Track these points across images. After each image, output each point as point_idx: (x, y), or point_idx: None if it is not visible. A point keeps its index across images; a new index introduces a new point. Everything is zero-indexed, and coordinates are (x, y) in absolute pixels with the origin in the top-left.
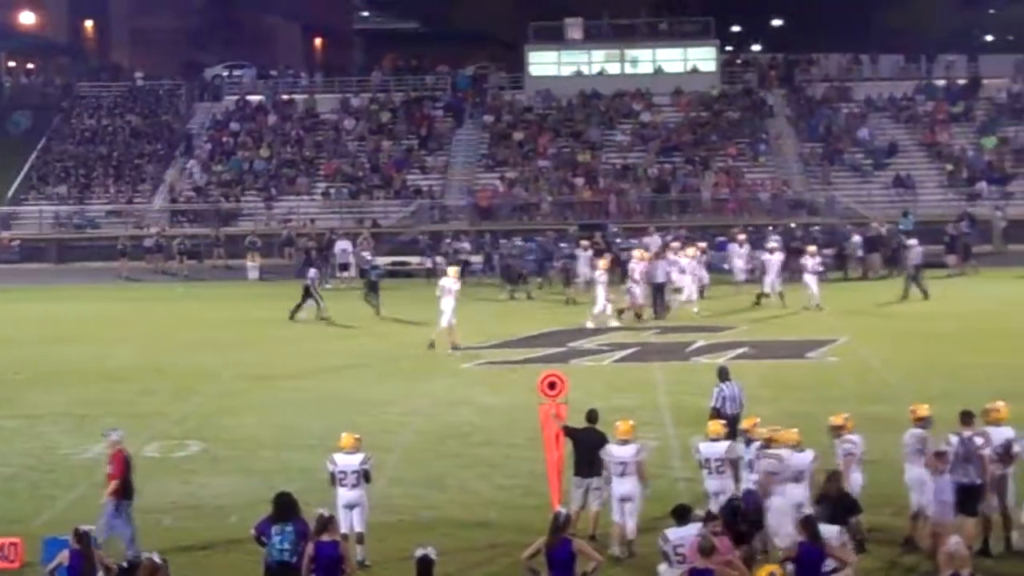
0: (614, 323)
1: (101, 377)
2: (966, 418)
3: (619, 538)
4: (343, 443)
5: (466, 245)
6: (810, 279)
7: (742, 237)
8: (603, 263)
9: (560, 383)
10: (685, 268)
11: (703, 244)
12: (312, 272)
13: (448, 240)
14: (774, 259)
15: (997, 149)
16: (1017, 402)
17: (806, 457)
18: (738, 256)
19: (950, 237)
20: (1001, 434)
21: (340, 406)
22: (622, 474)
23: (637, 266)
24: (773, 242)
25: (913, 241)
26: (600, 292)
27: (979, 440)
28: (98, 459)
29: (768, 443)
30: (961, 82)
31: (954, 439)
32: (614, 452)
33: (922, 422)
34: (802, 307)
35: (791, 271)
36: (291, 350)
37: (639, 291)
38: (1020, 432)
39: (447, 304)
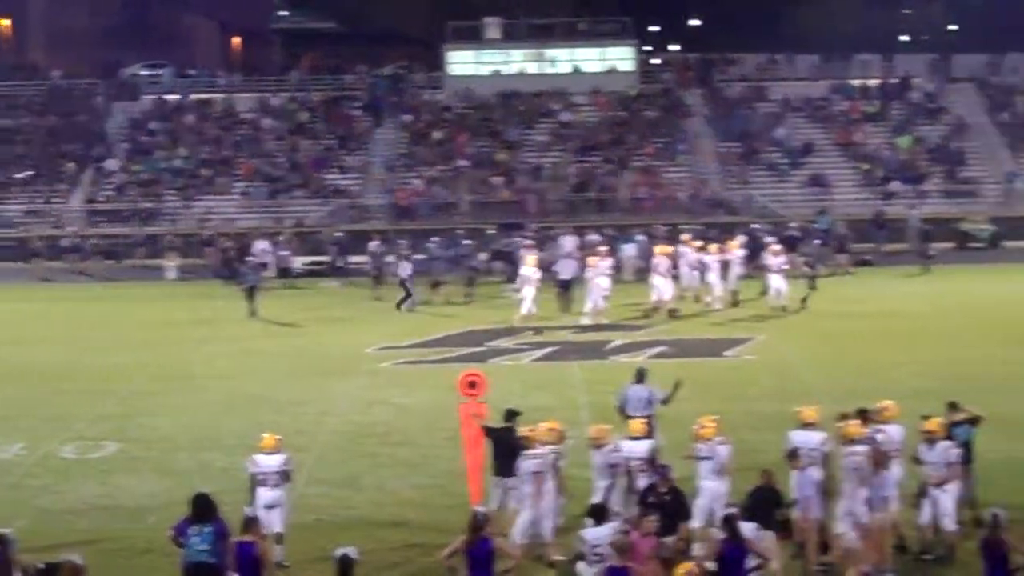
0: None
1: (16, 377)
2: (862, 416)
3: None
4: (264, 444)
5: (381, 245)
6: (775, 278)
7: (686, 237)
8: (532, 260)
9: (480, 382)
10: (710, 265)
11: (738, 240)
12: (406, 268)
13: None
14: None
15: (912, 149)
16: (933, 399)
17: (813, 438)
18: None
19: (789, 238)
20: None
21: (257, 406)
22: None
23: (661, 261)
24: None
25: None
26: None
27: (880, 437)
28: (13, 460)
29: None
30: (894, 81)
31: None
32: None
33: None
34: (770, 307)
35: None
36: (208, 350)
37: (665, 286)
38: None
39: (528, 293)
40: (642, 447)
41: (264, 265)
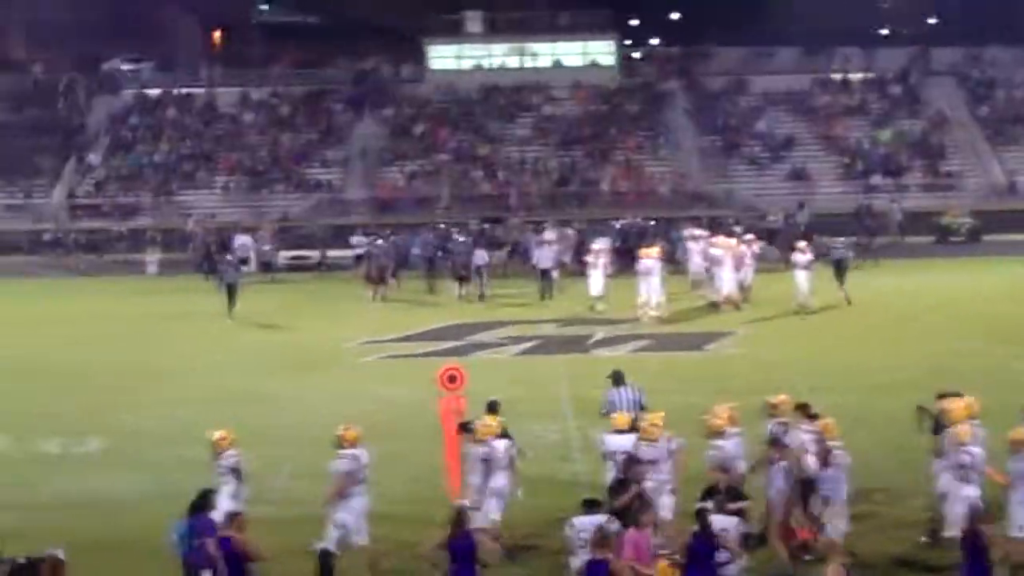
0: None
1: None
2: (803, 410)
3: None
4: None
5: (363, 239)
6: (800, 275)
7: (697, 232)
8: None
9: (460, 376)
10: (722, 259)
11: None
12: (481, 256)
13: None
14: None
15: (893, 143)
16: (914, 392)
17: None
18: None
19: (769, 231)
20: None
21: (239, 400)
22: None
23: (725, 256)
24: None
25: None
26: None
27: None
28: None
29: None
30: (874, 74)
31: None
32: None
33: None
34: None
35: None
36: (190, 345)
37: (728, 280)
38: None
39: (654, 282)
40: (625, 441)
41: (245, 260)
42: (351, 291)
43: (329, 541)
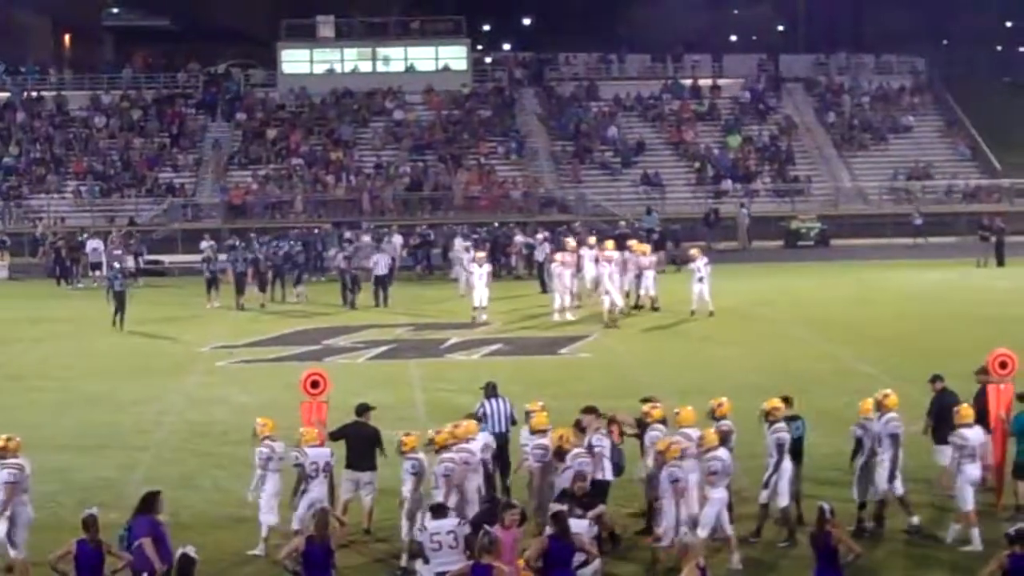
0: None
1: None
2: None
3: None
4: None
5: (212, 243)
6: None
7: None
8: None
9: (323, 381)
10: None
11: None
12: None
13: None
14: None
15: (741, 148)
16: (762, 394)
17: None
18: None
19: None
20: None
21: (92, 405)
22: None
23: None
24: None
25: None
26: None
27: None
28: None
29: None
30: (724, 80)
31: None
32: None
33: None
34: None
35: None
36: (42, 349)
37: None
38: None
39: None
40: (546, 440)
41: (97, 265)
42: (202, 296)
43: None
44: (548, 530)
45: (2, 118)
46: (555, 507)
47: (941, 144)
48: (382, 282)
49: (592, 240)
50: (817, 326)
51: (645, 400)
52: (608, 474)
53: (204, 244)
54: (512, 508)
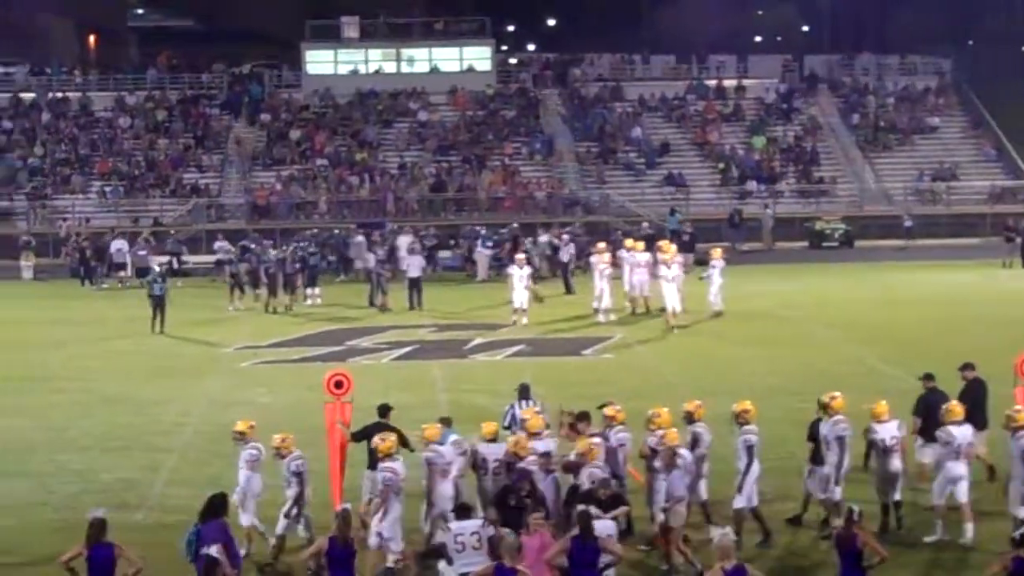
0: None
1: None
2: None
3: None
4: None
5: (226, 244)
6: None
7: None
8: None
9: (347, 382)
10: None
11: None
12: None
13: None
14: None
15: (766, 149)
16: (785, 396)
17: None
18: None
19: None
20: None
21: (116, 407)
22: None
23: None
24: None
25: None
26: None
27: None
28: None
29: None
30: (749, 81)
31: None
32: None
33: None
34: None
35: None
36: (66, 351)
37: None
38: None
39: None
40: (498, 449)
41: (122, 265)
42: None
43: None
44: (573, 531)
45: (27, 119)
46: (580, 508)
47: (966, 145)
48: (416, 284)
49: (631, 244)
50: (842, 327)
51: (603, 406)
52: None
53: (217, 244)
54: (537, 512)
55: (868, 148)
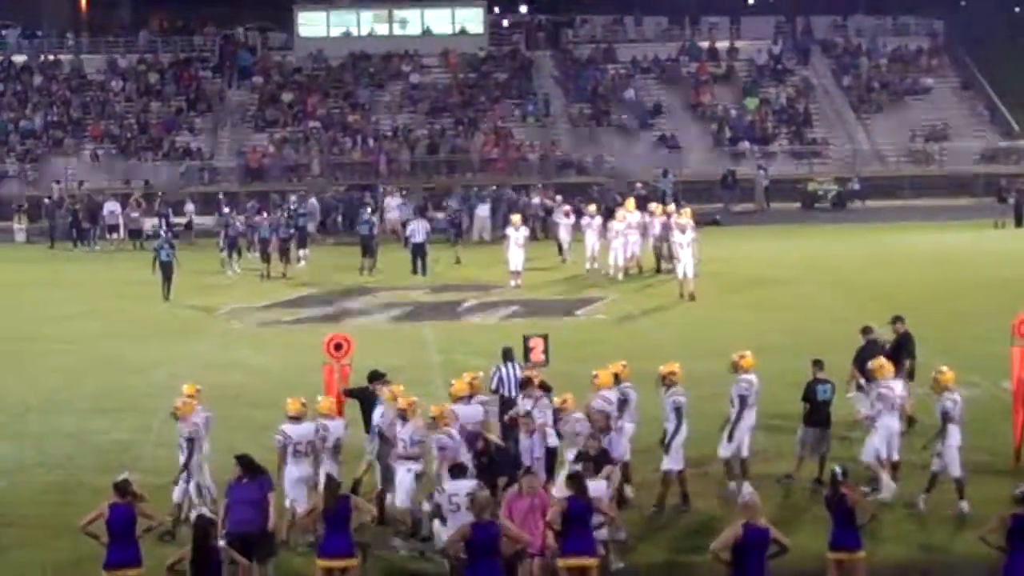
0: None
1: None
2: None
3: None
4: None
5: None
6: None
7: (567, 208)
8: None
9: (346, 344)
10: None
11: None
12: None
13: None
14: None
15: (758, 110)
16: (779, 356)
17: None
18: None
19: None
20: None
21: (109, 368)
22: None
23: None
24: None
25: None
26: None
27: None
28: None
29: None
30: (741, 42)
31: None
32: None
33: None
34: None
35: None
36: (58, 312)
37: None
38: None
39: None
40: (476, 411)
41: (114, 228)
42: (218, 260)
43: None
44: (567, 492)
45: (19, 82)
46: (573, 468)
47: (959, 106)
48: (420, 250)
49: (658, 208)
50: (835, 288)
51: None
52: (554, 440)
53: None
54: (530, 475)
55: (861, 109)
